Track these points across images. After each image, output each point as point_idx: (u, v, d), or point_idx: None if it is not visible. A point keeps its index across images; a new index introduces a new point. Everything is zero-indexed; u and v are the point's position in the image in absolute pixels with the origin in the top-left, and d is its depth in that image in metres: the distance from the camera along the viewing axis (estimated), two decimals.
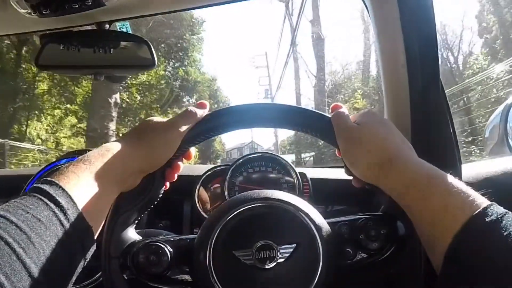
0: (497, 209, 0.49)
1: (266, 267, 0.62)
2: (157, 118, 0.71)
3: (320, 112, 0.72)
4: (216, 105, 30.90)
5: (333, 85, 22.85)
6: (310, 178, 1.25)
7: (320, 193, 1.24)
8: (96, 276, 1.01)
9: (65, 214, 0.51)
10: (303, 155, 20.81)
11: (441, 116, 0.98)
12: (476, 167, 1.08)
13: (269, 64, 31.50)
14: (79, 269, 0.55)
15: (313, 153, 19.46)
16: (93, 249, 0.57)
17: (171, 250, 0.67)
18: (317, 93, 20.48)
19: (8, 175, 1.79)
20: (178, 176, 0.74)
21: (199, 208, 1.24)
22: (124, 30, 1.15)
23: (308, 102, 24.81)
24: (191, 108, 0.72)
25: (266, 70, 31.43)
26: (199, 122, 0.71)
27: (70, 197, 0.53)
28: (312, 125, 0.72)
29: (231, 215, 0.65)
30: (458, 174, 0.98)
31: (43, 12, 0.88)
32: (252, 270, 0.63)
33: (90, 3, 0.86)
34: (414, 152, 0.64)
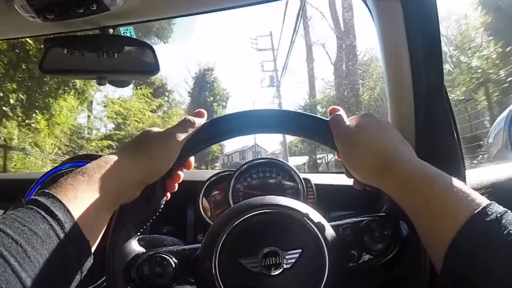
0: (497, 208, 0.49)
1: (273, 273, 0.62)
2: (155, 129, 0.71)
3: (318, 116, 0.72)
4: (212, 98, 28.60)
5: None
6: (315, 184, 1.25)
7: (325, 198, 1.24)
8: (100, 281, 1.00)
9: (62, 227, 0.51)
10: (319, 155, 19.22)
11: (445, 121, 0.98)
12: (480, 173, 1.08)
13: (275, 46, 26.52)
14: (75, 283, 0.55)
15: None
16: (90, 262, 0.57)
17: (175, 261, 0.67)
18: (344, 65, 16.48)
19: (10, 179, 1.79)
20: (181, 182, 0.74)
21: (202, 214, 1.24)
22: (128, 34, 1.15)
23: (325, 87, 20.98)
24: (189, 117, 0.72)
25: (271, 53, 26.72)
26: (197, 130, 0.71)
27: (68, 210, 0.53)
28: (310, 129, 0.72)
29: (236, 223, 0.65)
30: (462, 180, 0.97)
31: (47, 17, 0.88)
32: (258, 278, 0.62)
33: (95, 8, 0.86)
34: (413, 153, 0.64)
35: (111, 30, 1.05)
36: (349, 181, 0.73)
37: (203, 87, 29.62)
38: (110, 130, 19.23)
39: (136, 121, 17.72)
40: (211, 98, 29.12)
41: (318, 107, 19.37)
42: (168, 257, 0.67)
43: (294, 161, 22.00)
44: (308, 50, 20.95)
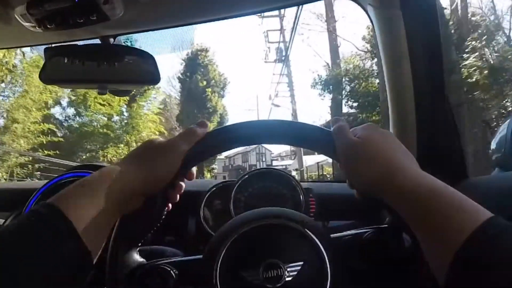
0: (500, 222, 0.48)
1: (274, 286, 0.61)
2: (158, 139, 0.71)
3: (320, 127, 0.72)
4: (205, 82, 25.03)
5: None
6: (316, 194, 1.25)
7: (327, 208, 1.24)
8: None
9: (63, 239, 0.51)
10: None
11: (448, 130, 0.98)
12: (482, 181, 1.07)
13: (281, 11, 20.08)
14: None
15: None
16: (91, 273, 0.56)
17: (176, 272, 0.67)
18: None
19: (11, 188, 1.80)
20: (183, 192, 0.73)
21: (204, 225, 1.24)
22: (129, 44, 1.15)
23: (355, 54, 15.44)
24: (191, 127, 0.72)
25: (278, 20, 21.27)
26: (200, 141, 0.70)
27: (69, 222, 0.52)
28: (313, 140, 0.72)
29: (237, 235, 0.65)
30: (464, 188, 0.97)
31: (48, 26, 0.88)
32: None
33: (95, 18, 0.86)
34: (416, 164, 0.63)
35: (111, 40, 1.05)
36: (351, 191, 0.73)
37: (195, 70, 25.95)
38: (69, 117, 16.14)
39: (100, 103, 14.59)
40: (204, 83, 25.41)
41: (346, 80, 14.75)
42: (168, 269, 0.66)
43: (307, 161, 20.46)
44: (328, 5, 16.49)
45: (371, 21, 1.04)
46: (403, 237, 0.69)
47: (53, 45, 1.09)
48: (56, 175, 1.25)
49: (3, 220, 1.34)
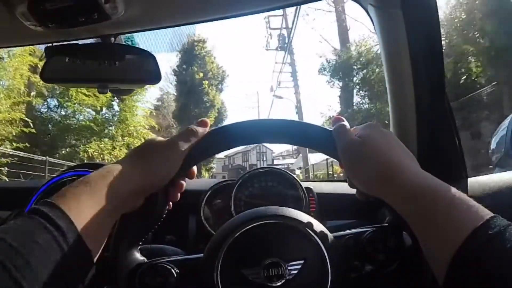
0: (500, 221, 0.48)
1: (275, 285, 0.62)
2: (158, 138, 0.72)
3: (321, 126, 0.72)
4: (202, 74, 23.90)
5: None
6: (317, 193, 1.25)
7: (327, 207, 1.24)
8: None
9: (64, 237, 0.51)
10: None
11: (447, 130, 0.98)
12: (482, 181, 1.07)
13: None
14: None
15: None
16: (92, 272, 0.56)
17: (177, 270, 0.67)
18: None
19: (12, 187, 1.80)
20: (184, 191, 0.74)
21: (205, 224, 1.24)
22: (130, 43, 1.15)
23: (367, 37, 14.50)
24: (192, 126, 0.72)
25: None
26: (200, 140, 0.71)
27: (70, 220, 0.52)
28: (314, 139, 0.72)
29: (238, 234, 0.65)
30: (463, 188, 0.97)
31: (49, 25, 0.88)
32: None
33: (96, 17, 0.86)
34: (417, 164, 0.64)
35: (112, 39, 1.05)
36: (352, 190, 0.73)
37: (192, 62, 25.15)
38: (50, 108, 14.65)
39: (84, 94, 13.39)
40: (201, 75, 24.96)
41: (357, 67, 14.29)
42: (170, 267, 0.67)
43: (313, 159, 20.24)
44: None
45: (372, 21, 1.04)
46: (403, 236, 0.69)
47: (53, 44, 1.09)
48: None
49: (4, 219, 1.34)
